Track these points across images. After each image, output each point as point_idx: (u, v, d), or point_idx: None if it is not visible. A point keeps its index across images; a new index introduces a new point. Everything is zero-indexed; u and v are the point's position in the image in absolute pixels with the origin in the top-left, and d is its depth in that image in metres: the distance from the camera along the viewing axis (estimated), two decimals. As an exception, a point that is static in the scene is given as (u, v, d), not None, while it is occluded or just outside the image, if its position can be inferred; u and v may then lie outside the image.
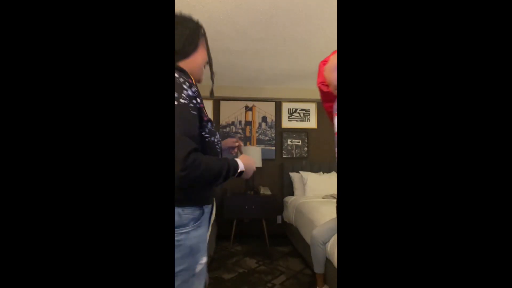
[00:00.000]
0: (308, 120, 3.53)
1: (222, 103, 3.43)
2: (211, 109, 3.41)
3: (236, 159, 0.76)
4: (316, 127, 3.52)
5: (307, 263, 2.25)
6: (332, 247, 1.68)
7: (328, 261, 1.74)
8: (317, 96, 3.49)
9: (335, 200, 2.44)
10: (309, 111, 3.54)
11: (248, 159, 0.79)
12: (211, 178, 0.66)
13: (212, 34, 2.02)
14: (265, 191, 3.06)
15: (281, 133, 3.47)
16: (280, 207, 3.26)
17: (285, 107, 3.51)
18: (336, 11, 1.72)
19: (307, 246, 2.08)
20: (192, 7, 1.65)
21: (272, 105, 3.50)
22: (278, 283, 2.02)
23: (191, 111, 0.65)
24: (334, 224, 1.77)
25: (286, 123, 3.50)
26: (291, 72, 2.87)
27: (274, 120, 3.49)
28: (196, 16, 0.79)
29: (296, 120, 3.51)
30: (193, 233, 0.66)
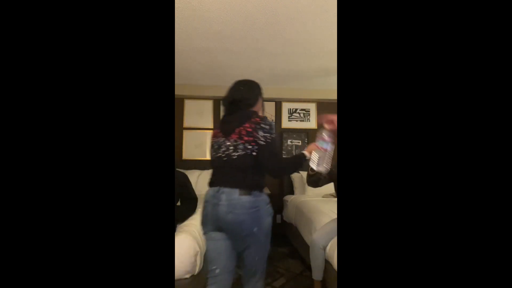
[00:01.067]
0: (308, 120, 3.52)
1: (222, 103, 3.41)
2: (212, 109, 3.40)
3: (303, 151, 1.23)
4: (316, 127, 3.51)
5: (307, 265, 2.23)
6: (331, 249, 1.66)
7: (327, 263, 1.72)
8: (317, 96, 3.50)
9: (335, 199, 2.42)
10: (309, 111, 3.53)
11: (312, 146, 1.24)
12: (291, 169, 1.25)
13: (212, 35, 2.01)
14: (264, 189, 3.04)
15: (281, 133, 3.46)
16: (280, 206, 3.25)
17: (285, 107, 3.51)
18: (336, 11, 1.72)
19: (307, 247, 2.07)
20: (192, 6, 1.65)
21: (272, 105, 3.49)
22: (277, 285, 2.01)
23: (276, 139, 1.20)
24: (334, 226, 1.75)
25: (286, 123, 3.49)
26: (291, 72, 2.87)
27: (274, 120, 3.48)
28: (196, 16, 0.79)
29: (296, 120, 3.50)
30: (268, 205, 1.26)
